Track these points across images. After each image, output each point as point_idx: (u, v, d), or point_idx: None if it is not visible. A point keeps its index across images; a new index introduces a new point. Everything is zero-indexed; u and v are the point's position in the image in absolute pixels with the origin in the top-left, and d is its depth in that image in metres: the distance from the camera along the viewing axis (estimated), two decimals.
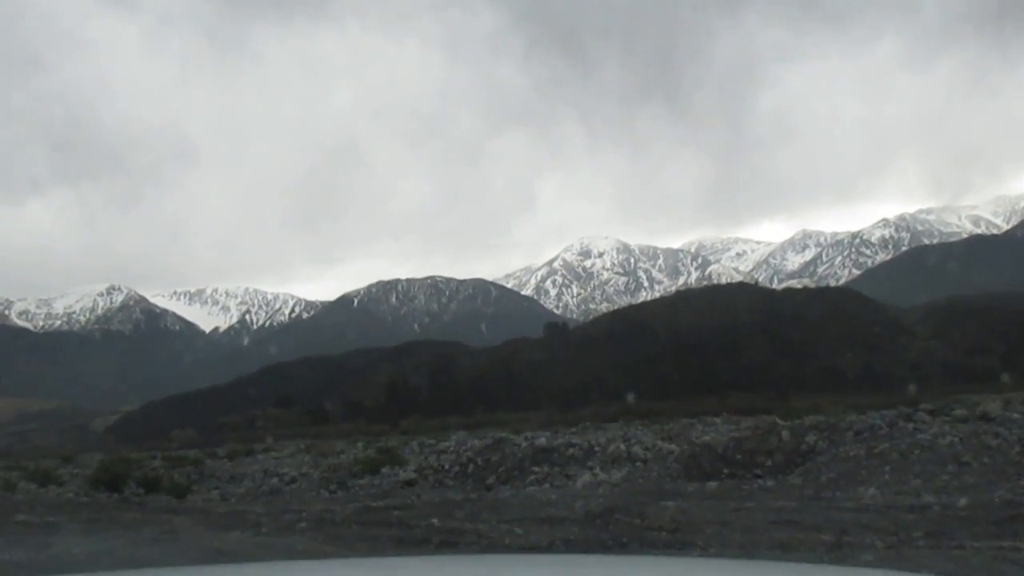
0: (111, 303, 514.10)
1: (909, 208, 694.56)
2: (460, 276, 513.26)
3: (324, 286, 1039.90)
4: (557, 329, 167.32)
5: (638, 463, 20.57)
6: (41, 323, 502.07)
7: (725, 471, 17.85)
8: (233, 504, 19.55)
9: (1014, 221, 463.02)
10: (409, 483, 22.15)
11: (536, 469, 20.76)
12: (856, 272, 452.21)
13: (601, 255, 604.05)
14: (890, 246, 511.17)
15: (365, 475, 24.77)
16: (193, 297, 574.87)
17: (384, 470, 24.67)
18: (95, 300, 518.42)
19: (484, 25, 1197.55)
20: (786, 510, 11.75)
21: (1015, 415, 18.20)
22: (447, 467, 22.66)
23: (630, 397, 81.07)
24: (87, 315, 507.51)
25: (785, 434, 18.94)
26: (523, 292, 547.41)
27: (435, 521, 11.58)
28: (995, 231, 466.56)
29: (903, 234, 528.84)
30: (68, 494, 23.52)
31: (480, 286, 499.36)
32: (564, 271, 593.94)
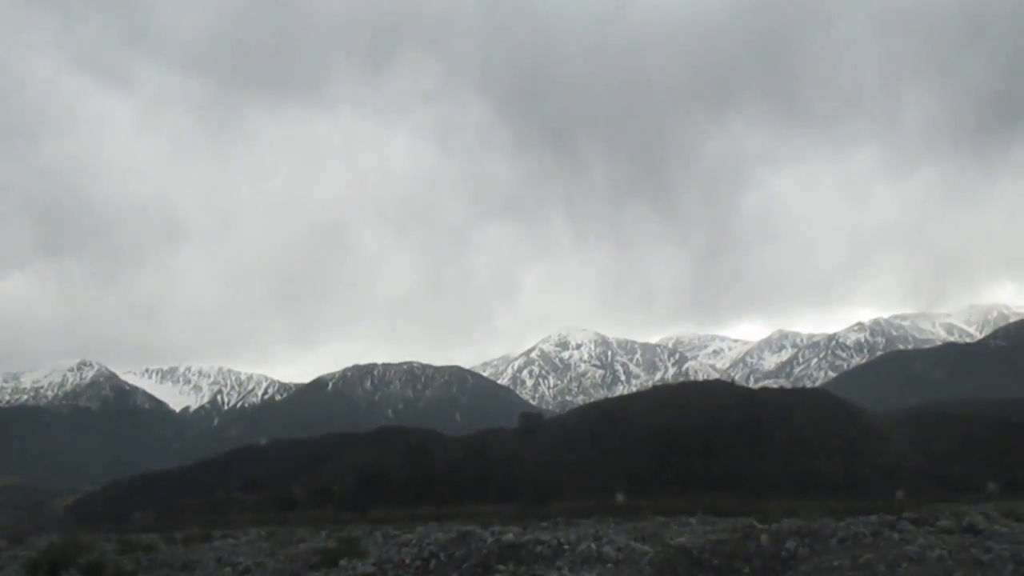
0: (81, 379, 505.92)
1: (884, 313, 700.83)
2: (438, 362, 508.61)
3: (300, 368, 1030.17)
4: (532, 420, 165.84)
5: (609, 564, 19.64)
6: (7, 397, 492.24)
7: None
8: None
9: (987, 331, 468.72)
10: None
11: (501, 567, 19.78)
12: (832, 374, 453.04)
13: (579, 347, 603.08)
14: (865, 350, 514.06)
15: (322, 567, 23.70)
16: (165, 375, 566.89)
17: (342, 563, 23.61)
18: (64, 375, 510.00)
19: (474, 118, 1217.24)
20: None
21: (1003, 528, 17.47)
22: (408, 561, 21.64)
23: (620, 496, 79.68)
24: (55, 390, 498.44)
25: (764, 538, 18.12)
26: (500, 381, 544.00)
27: None
28: (968, 340, 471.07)
29: (878, 338, 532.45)
30: None
31: (456, 373, 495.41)
32: (541, 361, 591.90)
